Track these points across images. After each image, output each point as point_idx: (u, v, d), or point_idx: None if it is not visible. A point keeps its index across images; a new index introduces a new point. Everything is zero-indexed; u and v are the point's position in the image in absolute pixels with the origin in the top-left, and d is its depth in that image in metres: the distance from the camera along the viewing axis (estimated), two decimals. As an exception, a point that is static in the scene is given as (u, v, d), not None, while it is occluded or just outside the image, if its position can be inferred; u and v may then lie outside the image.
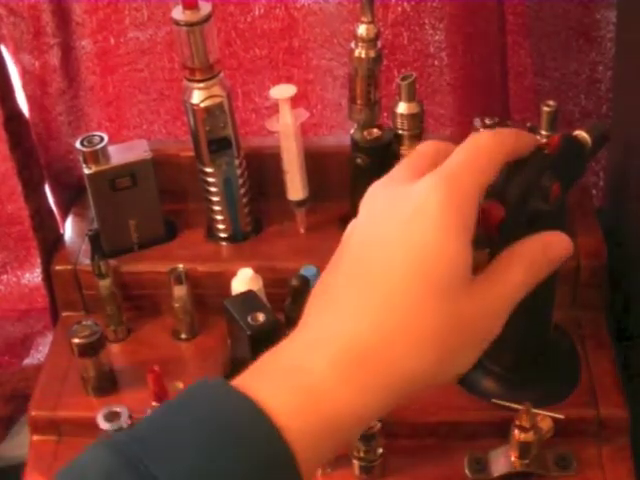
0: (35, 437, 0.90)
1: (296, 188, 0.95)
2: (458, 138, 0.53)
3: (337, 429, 0.47)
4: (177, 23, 0.85)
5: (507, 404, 0.83)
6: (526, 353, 0.85)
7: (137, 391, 0.88)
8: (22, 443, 0.96)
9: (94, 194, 0.94)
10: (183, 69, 0.89)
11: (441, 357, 0.48)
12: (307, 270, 0.87)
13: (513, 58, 0.96)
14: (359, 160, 0.89)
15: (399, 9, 0.97)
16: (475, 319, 0.49)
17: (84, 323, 0.87)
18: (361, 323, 0.48)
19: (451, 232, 0.48)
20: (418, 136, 0.90)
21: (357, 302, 0.49)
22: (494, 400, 0.84)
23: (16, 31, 0.96)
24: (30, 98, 1.00)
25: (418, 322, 0.48)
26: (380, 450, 0.82)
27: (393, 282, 0.48)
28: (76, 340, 0.86)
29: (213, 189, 0.95)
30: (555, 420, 0.80)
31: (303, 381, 0.47)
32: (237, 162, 0.94)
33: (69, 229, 1.02)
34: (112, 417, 0.82)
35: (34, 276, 1.05)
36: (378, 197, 0.53)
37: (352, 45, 0.87)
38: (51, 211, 1.04)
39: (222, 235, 0.98)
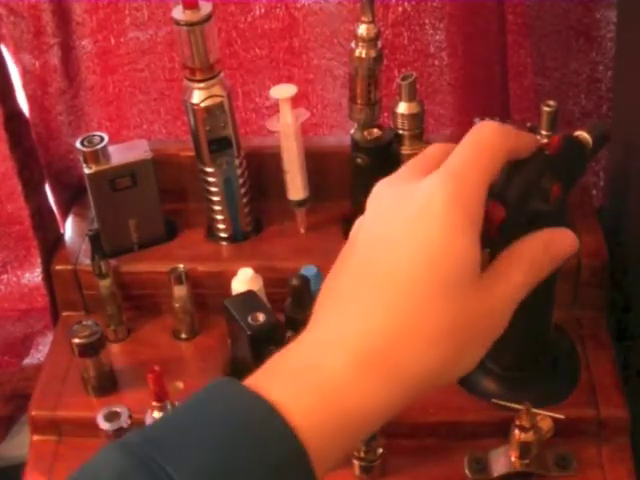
0: (35, 437, 0.90)
1: (296, 188, 0.95)
2: (458, 138, 0.53)
3: (349, 428, 0.48)
4: (177, 23, 0.85)
5: (507, 404, 0.83)
6: (526, 353, 0.85)
7: (137, 391, 0.88)
8: (22, 443, 0.96)
9: (94, 194, 0.94)
10: (183, 69, 0.89)
11: (449, 356, 0.48)
12: (307, 270, 0.87)
13: (513, 58, 0.96)
14: (359, 160, 0.89)
15: (399, 9, 0.97)
16: (480, 318, 0.49)
17: (84, 323, 0.87)
18: (369, 323, 0.48)
19: (458, 229, 0.48)
20: (418, 136, 0.90)
21: (365, 302, 0.49)
22: (494, 400, 0.84)
23: (16, 31, 0.96)
24: (30, 98, 1.00)
25: (426, 322, 0.48)
26: (380, 450, 0.82)
27: (400, 282, 0.48)
28: (76, 340, 0.86)
29: (213, 189, 0.95)
30: (555, 420, 0.80)
31: (315, 380, 0.47)
32: (237, 162, 0.94)
33: (69, 229, 1.02)
34: (112, 417, 0.82)
35: (34, 276, 1.05)
36: (384, 195, 0.53)
37: (352, 45, 0.87)
38: (51, 211, 1.04)
39: (222, 235, 0.98)
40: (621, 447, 0.83)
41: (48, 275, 0.99)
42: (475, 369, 0.51)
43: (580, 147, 0.62)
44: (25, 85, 0.99)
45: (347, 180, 0.92)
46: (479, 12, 0.96)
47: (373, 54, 0.86)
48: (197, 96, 0.89)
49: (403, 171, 0.53)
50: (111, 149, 0.93)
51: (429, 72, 1.00)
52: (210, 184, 0.94)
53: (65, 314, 0.99)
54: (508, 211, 0.52)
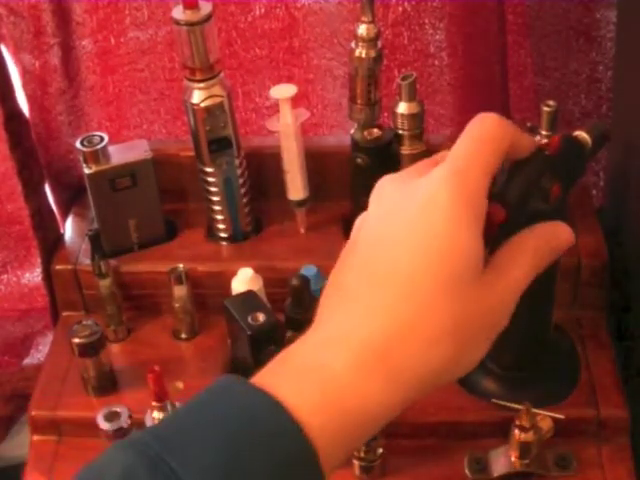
0: (35, 437, 0.90)
1: (296, 188, 0.95)
2: (458, 138, 0.53)
3: (354, 427, 0.48)
4: (177, 23, 0.85)
5: (507, 404, 0.83)
6: (526, 353, 0.85)
7: (137, 391, 0.88)
8: (22, 443, 0.96)
9: (94, 194, 0.94)
10: (183, 69, 0.89)
11: (453, 352, 0.48)
12: (307, 270, 0.87)
13: (513, 58, 0.96)
14: (359, 160, 0.89)
15: (399, 9, 0.97)
16: (481, 316, 0.49)
17: (84, 323, 0.87)
18: (371, 323, 0.48)
19: (462, 223, 0.48)
20: (418, 136, 0.90)
21: (367, 302, 0.49)
22: (494, 400, 0.84)
23: (16, 31, 0.96)
24: (30, 98, 1.00)
25: (427, 321, 0.48)
26: (380, 450, 0.82)
27: (401, 282, 0.48)
28: (76, 340, 0.86)
29: (213, 189, 0.95)
30: (555, 420, 0.80)
31: (321, 378, 0.47)
32: (237, 162, 0.94)
33: (69, 229, 1.02)
34: (112, 417, 0.82)
35: (34, 276, 1.05)
36: (387, 191, 0.53)
37: (352, 45, 0.87)
38: (51, 211, 1.04)
39: (222, 235, 0.98)
40: (621, 447, 0.83)
41: (48, 275, 0.99)
42: (475, 369, 0.51)
43: (580, 147, 0.62)
44: (25, 85, 0.99)
45: (347, 180, 0.92)
46: (479, 12, 0.96)
47: (373, 54, 0.86)
48: (197, 96, 0.89)
49: (408, 169, 0.54)
50: (111, 149, 0.93)
51: (429, 72, 1.00)
52: (210, 184, 0.94)
53: (65, 314, 0.99)
54: (508, 212, 0.52)
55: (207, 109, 0.89)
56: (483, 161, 0.50)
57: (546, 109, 0.85)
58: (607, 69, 0.99)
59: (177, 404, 0.81)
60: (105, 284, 0.93)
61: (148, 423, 0.81)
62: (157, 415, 0.80)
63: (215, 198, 0.95)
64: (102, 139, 0.92)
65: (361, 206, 0.54)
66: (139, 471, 0.43)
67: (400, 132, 0.90)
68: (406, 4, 0.96)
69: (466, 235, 0.48)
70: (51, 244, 1.00)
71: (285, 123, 0.91)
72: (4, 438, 1.13)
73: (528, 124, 0.86)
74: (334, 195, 0.98)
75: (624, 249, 0.93)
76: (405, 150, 0.90)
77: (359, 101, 0.89)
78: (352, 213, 0.94)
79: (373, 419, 0.48)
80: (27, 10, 0.95)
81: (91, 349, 0.87)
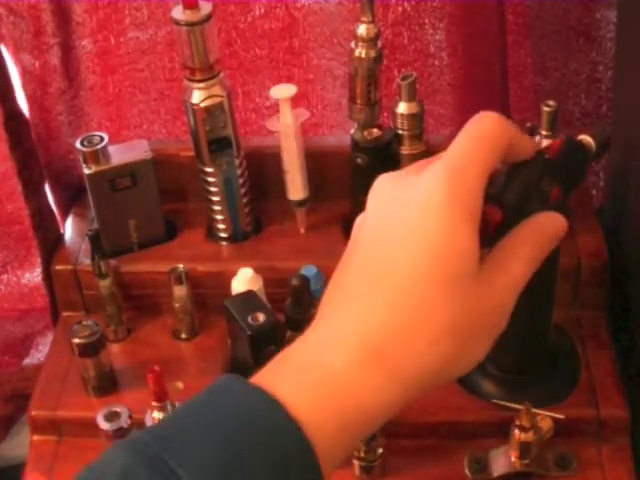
0: (35, 437, 0.90)
1: (296, 188, 0.95)
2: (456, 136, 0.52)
3: (353, 425, 0.48)
4: (177, 23, 0.85)
5: (507, 404, 0.83)
6: (526, 355, 0.85)
7: (137, 391, 0.88)
8: (22, 443, 0.96)
9: (94, 194, 0.94)
10: (183, 69, 0.89)
11: (453, 351, 0.48)
12: (307, 270, 0.87)
13: (513, 58, 0.96)
14: (359, 160, 0.89)
15: (399, 9, 0.97)
16: (484, 312, 0.49)
17: (84, 323, 0.87)
18: (370, 322, 0.48)
19: (458, 222, 0.48)
20: (418, 136, 0.90)
21: (367, 300, 0.49)
22: (494, 400, 0.84)
23: (16, 31, 0.96)
24: (30, 98, 1.00)
25: (426, 320, 0.48)
26: (380, 450, 0.82)
27: (400, 280, 0.48)
28: (76, 340, 0.86)
29: (213, 189, 0.95)
30: (555, 420, 0.80)
31: (321, 376, 0.48)
32: (237, 162, 0.94)
33: (69, 229, 1.02)
34: (112, 417, 0.82)
35: (34, 276, 1.05)
36: (384, 191, 0.53)
37: (352, 45, 0.87)
38: (51, 211, 1.04)
39: (222, 235, 0.98)
40: (621, 447, 0.83)
41: (48, 275, 0.99)
42: (475, 372, 0.51)
43: (583, 151, 0.61)
44: (25, 85, 0.99)
45: (347, 180, 0.92)
46: (479, 12, 0.96)
47: (373, 54, 0.86)
48: (197, 96, 0.89)
49: (406, 168, 0.54)
50: (111, 149, 0.93)
51: (429, 72, 1.00)
52: (210, 184, 0.94)
53: (65, 314, 0.99)
54: (506, 214, 0.52)
55: (207, 109, 0.89)
56: (481, 159, 0.50)
57: (546, 109, 0.85)
58: (607, 69, 0.99)
59: (177, 404, 0.81)
60: (105, 284, 0.93)
61: (148, 423, 0.81)
62: (157, 415, 0.80)
63: (215, 198, 0.95)
64: (102, 139, 0.92)
65: (361, 206, 0.54)
66: (138, 470, 0.44)
67: (400, 132, 0.90)
68: (406, 4, 0.96)
69: (462, 233, 0.48)
70: (51, 244, 1.00)
71: (285, 123, 0.91)
72: (4, 438, 1.13)
73: (528, 124, 0.86)
74: (334, 195, 0.98)
75: (624, 249, 0.93)
76: (405, 150, 0.90)
77: (359, 101, 0.89)
78: (352, 213, 0.94)
79: (372, 417, 0.48)
80: (27, 10, 0.95)
81: (91, 349, 0.87)
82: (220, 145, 0.92)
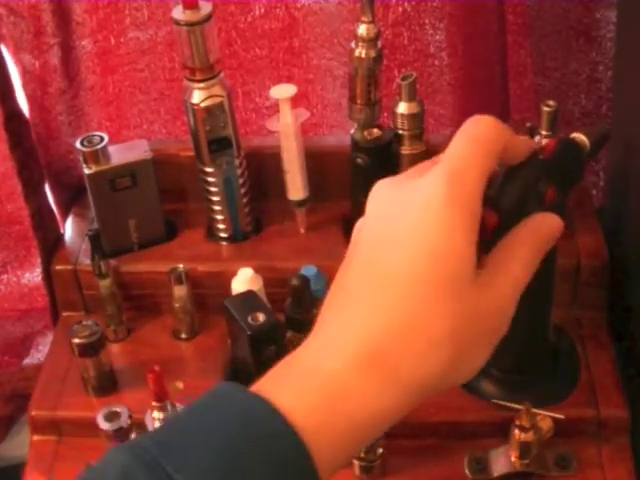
0: (35, 437, 0.90)
1: (296, 188, 0.95)
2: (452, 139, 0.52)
3: (354, 429, 0.48)
4: (177, 23, 0.85)
5: (507, 404, 0.83)
6: (526, 356, 0.85)
7: (137, 391, 0.88)
8: (22, 443, 0.96)
9: (94, 194, 0.94)
10: (183, 69, 0.89)
11: (453, 356, 0.48)
12: (307, 270, 0.87)
13: (513, 58, 0.96)
14: (359, 160, 0.89)
15: (399, 9, 0.97)
16: (483, 315, 0.49)
17: (84, 323, 0.87)
18: (370, 326, 0.48)
19: (457, 226, 0.48)
20: (418, 136, 0.90)
21: (367, 304, 0.49)
22: (494, 400, 0.84)
23: (16, 31, 0.96)
24: (30, 98, 1.00)
25: (426, 324, 0.48)
26: (380, 450, 0.82)
27: (400, 284, 0.48)
28: (76, 340, 0.86)
29: (213, 189, 0.95)
30: (555, 420, 0.80)
31: (317, 382, 0.47)
32: (237, 162, 0.94)
33: (69, 229, 1.02)
34: (112, 417, 0.82)
35: (34, 276, 1.05)
36: (384, 194, 0.53)
37: (352, 45, 0.87)
38: (51, 211, 1.04)
39: (222, 235, 0.98)
40: (621, 447, 0.83)
41: (48, 275, 0.99)
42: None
43: (577, 150, 0.61)
44: (25, 85, 0.99)
45: (347, 180, 0.92)
46: (479, 12, 0.96)
47: (373, 54, 0.86)
48: (197, 96, 0.89)
49: (406, 172, 0.54)
50: (111, 149, 0.93)
51: (429, 72, 1.00)
52: (210, 184, 0.94)
53: (65, 314, 0.99)
54: (503, 217, 0.52)
55: (207, 109, 0.89)
56: (479, 162, 0.50)
57: (546, 109, 0.85)
58: (607, 69, 0.99)
59: (177, 404, 0.81)
60: (105, 284, 0.93)
61: (148, 423, 0.81)
62: (157, 415, 0.80)
63: (215, 198, 0.95)
64: (102, 139, 0.92)
65: (361, 206, 0.54)
66: (138, 472, 0.44)
67: (400, 132, 0.90)
68: (406, 4, 0.96)
69: (461, 235, 0.48)
70: (51, 244, 1.00)
71: (285, 123, 0.91)
72: (4, 438, 1.13)
73: (528, 124, 0.86)
74: (334, 195, 0.98)
75: (624, 249, 0.93)
76: (405, 150, 0.90)
77: (359, 101, 0.89)
78: (352, 213, 0.94)
79: (373, 422, 0.48)
80: (27, 10, 0.95)
81: (91, 349, 0.87)
82: (220, 145, 0.92)
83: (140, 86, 1.04)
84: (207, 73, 0.88)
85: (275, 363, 0.50)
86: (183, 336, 0.95)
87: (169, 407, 0.80)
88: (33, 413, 0.90)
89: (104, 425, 0.81)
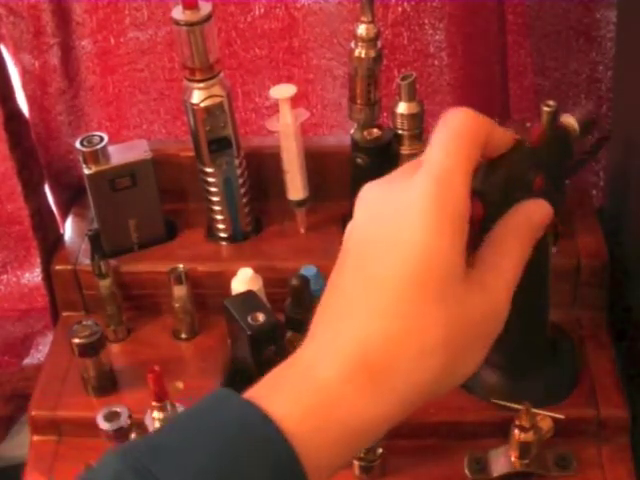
0: (35, 437, 0.90)
1: (296, 188, 0.95)
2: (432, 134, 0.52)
3: (348, 436, 0.47)
4: (177, 23, 0.85)
5: (507, 404, 0.83)
6: (525, 355, 0.85)
7: (137, 391, 0.88)
8: (22, 443, 0.96)
9: (94, 194, 0.94)
10: (183, 69, 0.89)
11: (447, 364, 0.48)
12: (307, 270, 0.87)
13: (513, 58, 0.96)
14: (359, 160, 0.89)
15: (399, 9, 0.97)
16: (476, 321, 0.49)
17: (84, 323, 0.87)
18: (362, 332, 0.48)
19: (446, 229, 0.47)
20: (418, 136, 0.90)
21: (358, 311, 0.49)
22: (494, 400, 0.84)
23: (16, 31, 0.96)
24: (30, 98, 1.00)
25: (419, 330, 0.47)
26: (380, 450, 0.82)
27: (390, 289, 0.48)
28: (76, 340, 0.86)
29: (213, 189, 0.95)
30: (555, 420, 0.80)
31: (313, 388, 0.47)
32: (237, 162, 0.94)
33: (69, 229, 1.02)
34: (112, 417, 0.82)
35: (34, 276, 1.05)
36: (372, 195, 0.52)
37: (352, 45, 0.87)
38: (51, 211, 1.04)
39: (222, 235, 0.98)
40: (621, 447, 0.83)
41: (48, 275, 0.99)
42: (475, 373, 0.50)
43: (565, 135, 0.60)
44: (25, 85, 0.99)
45: (347, 180, 0.92)
46: (479, 12, 0.96)
47: (373, 54, 0.86)
48: (197, 96, 0.89)
49: (392, 174, 0.53)
50: (111, 149, 0.93)
51: (429, 72, 1.00)
52: (210, 184, 0.94)
53: (65, 314, 0.99)
54: (489, 208, 0.51)
55: (207, 109, 0.89)
56: (464, 157, 0.49)
57: (546, 109, 0.84)
58: (607, 69, 0.99)
59: (177, 404, 0.81)
60: (105, 284, 0.93)
61: (148, 423, 0.81)
62: (157, 415, 0.80)
63: (215, 198, 0.95)
64: (102, 139, 0.92)
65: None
66: (127, 476, 0.44)
67: (400, 132, 0.90)
68: (406, 4, 0.96)
69: (449, 238, 0.47)
70: (51, 244, 1.00)
71: (285, 123, 0.91)
72: (4, 438, 1.13)
73: (528, 124, 0.86)
74: (334, 195, 0.98)
75: (624, 249, 0.93)
76: (405, 150, 0.90)
77: (359, 101, 0.89)
78: (352, 213, 0.94)
79: (367, 428, 0.48)
80: (27, 10, 0.95)
81: (91, 349, 0.87)
82: (220, 145, 0.92)
83: (140, 86, 1.04)
84: (207, 73, 0.88)
85: (275, 363, 0.50)
86: (183, 336, 0.95)
87: (169, 407, 0.80)
88: (33, 413, 0.90)
89: (104, 425, 0.81)
